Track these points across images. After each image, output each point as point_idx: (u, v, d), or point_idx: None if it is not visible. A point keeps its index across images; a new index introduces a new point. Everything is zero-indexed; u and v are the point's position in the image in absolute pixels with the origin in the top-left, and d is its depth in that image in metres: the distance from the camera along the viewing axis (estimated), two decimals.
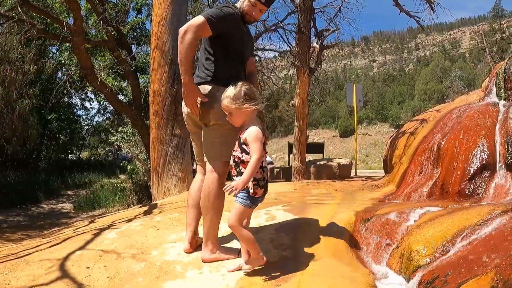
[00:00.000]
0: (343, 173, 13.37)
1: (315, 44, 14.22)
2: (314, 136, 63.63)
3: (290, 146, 15.29)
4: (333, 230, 5.64)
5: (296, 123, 12.80)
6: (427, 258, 4.37)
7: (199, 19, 4.70)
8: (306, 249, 5.01)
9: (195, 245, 5.26)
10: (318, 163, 13.90)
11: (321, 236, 5.42)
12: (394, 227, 5.43)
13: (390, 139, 11.41)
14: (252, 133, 4.11)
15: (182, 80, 4.71)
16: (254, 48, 16.67)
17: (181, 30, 4.69)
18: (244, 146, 4.19)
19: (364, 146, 54.11)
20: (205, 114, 4.79)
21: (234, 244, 5.29)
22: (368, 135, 59.51)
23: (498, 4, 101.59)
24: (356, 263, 4.84)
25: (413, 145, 8.74)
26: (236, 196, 4.14)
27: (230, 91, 4.24)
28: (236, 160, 4.24)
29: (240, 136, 4.26)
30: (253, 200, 4.21)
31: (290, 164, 13.73)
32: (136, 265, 4.91)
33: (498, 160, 6.73)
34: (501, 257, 3.72)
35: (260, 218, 6.28)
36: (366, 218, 5.84)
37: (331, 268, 4.54)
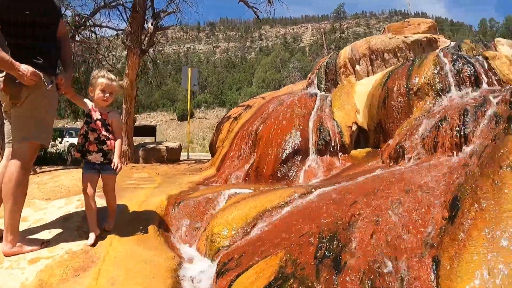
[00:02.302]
0: (171, 156, 13.22)
1: (149, 25, 13.88)
2: (152, 119, 62.79)
3: None
4: (143, 215, 5.48)
5: (123, 105, 12.28)
6: (227, 240, 4.41)
7: None
8: (113, 236, 4.81)
9: None
10: (147, 146, 13.61)
11: (129, 222, 5.25)
12: (205, 210, 5.45)
13: (217, 123, 11.52)
14: (119, 118, 5.00)
15: None
16: (91, 24, 15.94)
17: None
18: (108, 127, 4.78)
19: (202, 129, 54.38)
20: (16, 92, 4.44)
21: (39, 235, 4.97)
22: (206, 118, 59.93)
23: (341, 7, 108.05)
24: (162, 247, 4.74)
25: (234, 129, 8.89)
26: (108, 170, 4.75)
27: (113, 75, 4.85)
28: (103, 138, 4.72)
29: (103, 118, 4.77)
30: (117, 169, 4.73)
31: None
32: None
33: (310, 145, 7.04)
34: (292, 237, 3.84)
35: (71, 205, 5.94)
36: (178, 201, 5.79)
37: (134, 254, 4.39)
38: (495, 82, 6.76)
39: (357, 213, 3.91)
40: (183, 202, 5.72)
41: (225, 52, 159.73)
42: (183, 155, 16.77)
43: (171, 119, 62.28)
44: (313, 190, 4.96)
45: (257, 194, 5.29)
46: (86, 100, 4.86)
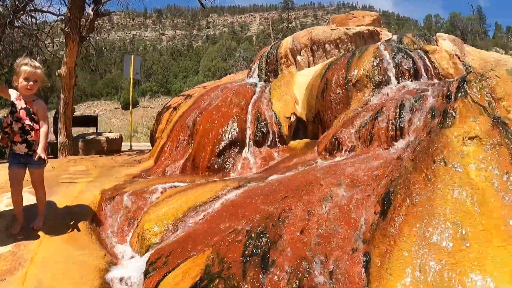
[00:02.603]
0: (112, 147, 12.82)
1: (89, 10, 13.40)
2: (96, 108, 61.13)
3: (56, 119, 14.23)
4: (76, 211, 5.20)
5: (61, 95, 11.75)
6: (157, 237, 4.24)
7: None
8: (43, 235, 4.55)
9: None
10: (86, 137, 13.19)
11: (61, 219, 4.98)
12: (138, 205, 5.24)
13: (158, 113, 11.27)
14: (44, 106, 4.72)
15: None
16: (31, 8, 15.30)
17: None
18: (33, 116, 4.55)
19: (147, 118, 53.38)
20: None
21: None
22: (151, 107, 58.79)
23: None
24: (93, 246, 4.52)
25: (173, 120, 8.64)
26: (33, 163, 4.50)
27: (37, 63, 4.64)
28: (27, 128, 4.50)
29: (28, 106, 4.54)
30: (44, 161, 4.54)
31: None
32: None
33: (247, 137, 6.95)
34: (221, 234, 3.71)
35: (1, 203, 5.63)
36: (112, 196, 5.55)
37: (63, 255, 4.16)
38: (434, 76, 6.83)
39: (287, 208, 3.82)
40: (117, 196, 5.51)
41: (172, 39, 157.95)
42: (126, 145, 16.41)
43: (116, 108, 60.82)
44: (245, 184, 4.86)
45: (190, 188, 5.14)
46: (11, 90, 4.65)
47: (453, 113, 4.27)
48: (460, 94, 4.79)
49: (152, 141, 10.60)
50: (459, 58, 7.35)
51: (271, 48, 10.06)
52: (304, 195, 4.03)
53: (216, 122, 7.08)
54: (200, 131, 7.16)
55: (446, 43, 8.03)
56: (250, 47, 78.85)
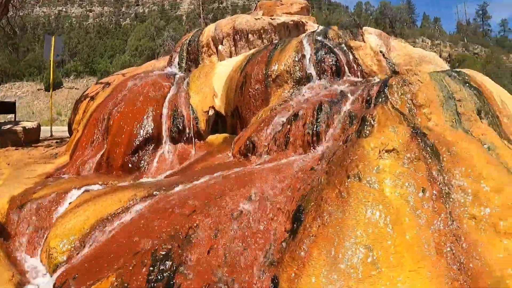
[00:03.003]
0: (29, 137, 12.09)
1: None
2: (18, 90, 58.15)
3: None
4: None
5: None
6: (64, 255, 3.93)
7: None
8: None
9: None
10: (2, 127, 12.43)
11: None
12: (47, 214, 4.86)
13: (76, 101, 10.67)
14: None
15: None
16: None
17: None
18: None
19: (71, 100, 51.09)
20: None
21: None
22: (76, 88, 56.43)
23: None
24: (1, 264, 4.15)
25: (90, 111, 8.10)
26: None
27: None
28: None
29: None
30: None
31: None
32: None
33: (163, 133, 6.66)
34: (124, 256, 3.44)
35: None
36: (21, 204, 5.10)
37: None
38: (358, 73, 6.74)
39: (195, 224, 3.59)
40: (26, 204, 5.08)
41: (99, 16, 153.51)
42: (47, 129, 15.68)
43: (38, 89, 58.06)
44: (155, 192, 4.57)
45: (98, 196, 4.78)
46: None
47: (372, 121, 4.16)
48: (380, 99, 4.68)
49: (70, 131, 10.06)
50: (383, 55, 7.27)
51: (192, 35, 9.69)
52: (213, 209, 3.80)
53: (130, 116, 6.70)
54: (114, 126, 6.74)
55: (372, 37, 7.95)
56: (180, 27, 77.72)
